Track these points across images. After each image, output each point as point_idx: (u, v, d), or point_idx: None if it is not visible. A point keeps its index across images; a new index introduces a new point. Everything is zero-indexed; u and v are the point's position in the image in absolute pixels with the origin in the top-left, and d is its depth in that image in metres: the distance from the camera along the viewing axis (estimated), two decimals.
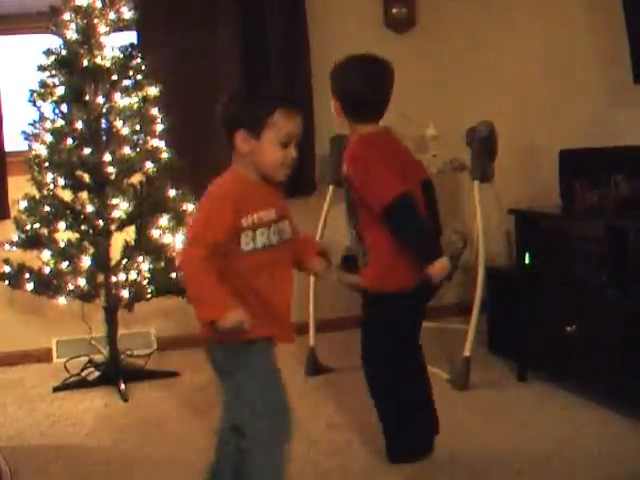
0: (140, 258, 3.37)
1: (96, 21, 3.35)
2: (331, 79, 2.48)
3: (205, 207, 2.00)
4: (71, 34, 3.33)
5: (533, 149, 4.04)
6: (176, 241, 3.41)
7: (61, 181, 3.34)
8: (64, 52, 3.33)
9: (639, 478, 2.32)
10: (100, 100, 3.34)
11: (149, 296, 3.41)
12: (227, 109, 2.01)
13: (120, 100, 3.37)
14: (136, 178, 3.44)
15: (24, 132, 3.40)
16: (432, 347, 3.75)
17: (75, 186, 3.37)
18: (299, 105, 2.04)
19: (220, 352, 2.01)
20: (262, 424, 1.96)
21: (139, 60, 3.42)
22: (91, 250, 3.36)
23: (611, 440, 2.59)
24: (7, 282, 3.41)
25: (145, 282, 3.37)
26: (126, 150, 3.34)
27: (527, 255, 3.19)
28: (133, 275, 3.36)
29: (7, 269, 3.39)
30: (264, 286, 1.97)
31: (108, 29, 3.39)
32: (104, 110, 3.35)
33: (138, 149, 3.38)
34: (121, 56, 3.38)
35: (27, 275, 3.36)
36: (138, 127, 3.38)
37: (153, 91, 3.42)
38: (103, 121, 3.36)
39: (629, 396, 2.71)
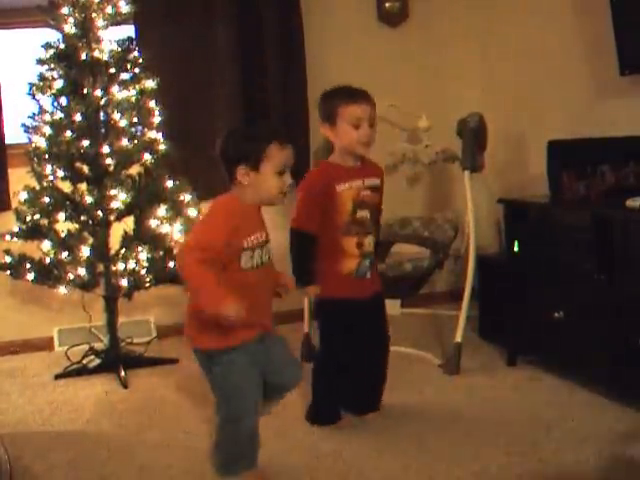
0: (139, 248, 3.40)
1: (94, 15, 3.38)
2: None
3: (206, 218, 2.26)
4: (69, 28, 3.36)
5: (522, 140, 4.08)
6: (174, 231, 3.45)
7: (60, 173, 3.37)
8: (63, 46, 3.36)
9: (624, 459, 2.37)
10: (98, 93, 3.36)
11: (148, 285, 3.45)
12: (227, 146, 2.22)
13: (118, 93, 3.39)
14: (134, 169, 3.47)
15: (24, 125, 3.42)
16: (424, 333, 3.84)
17: (74, 177, 3.40)
18: (288, 139, 2.25)
19: None
20: None
21: (136, 53, 3.45)
22: (90, 240, 3.39)
23: (598, 423, 2.64)
24: (8, 272, 3.45)
25: (144, 271, 3.40)
26: (124, 142, 3.37)
27: (516, 243, 3.24)
28: (132, 264, 3.39)
29: (8, 259, 3.42)
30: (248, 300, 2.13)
31: (106, 23, 3.41)
32: (102, 103, 3.37)
33: (136, 141, 3.41)
34: (119, 50, 3.40)
35: (28, 265, 3.39)
36: (136, 119, 3.41)
37: (150, 84, 3.45)
38: (101, 114, 3.39)
39: (616, 380, 2.76)
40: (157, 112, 3.49)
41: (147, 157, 3.44)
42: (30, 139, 3.43)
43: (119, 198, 3.37)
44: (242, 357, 2.21)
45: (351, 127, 2.56)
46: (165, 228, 3.45)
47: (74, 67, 3.36)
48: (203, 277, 2.08)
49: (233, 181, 2.21)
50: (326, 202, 2.58)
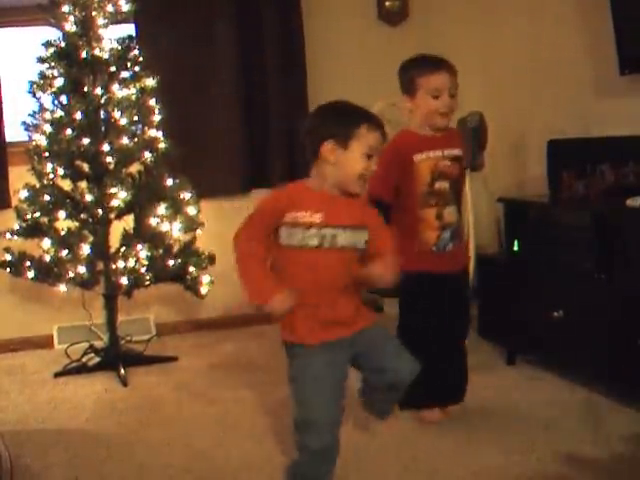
0: (139, 246, 3.41)
1: (94, 14, 3.38)
2: None
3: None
4: (70, 26, 3.37)
5: (522, 139, 4.08)
6: (174, 229, 3.46)
7: (61, 171, 3.38)
8: (63, 44, 3.37)
9: (623, 459, 2.37)
10: (99, 91, 3.37)
11: (147, 283, 3.45)
12: (317, 120, 2.12)
13: (118, 91, 3.40)
14: (134, 168, 3.48)
15: (24, 123, 3.43)
16: None
17: (74, 176, 3.40)
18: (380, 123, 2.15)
19: None
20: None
21: (137, 52, 3.46)
22: (90, 238, 3.39)
23: (598, 422, 2.63)
24: (8, 270, 3.45)
25: (143, 269, 3.40)
26: (124, 140, 3.38)
27: (516, 243, 3.24)
28: (132, 262, 3.39)
29: (8, 257, 3.43)
30: (290, 281, 2.05)
31: (106, 21, 3.42)
32: (103, 101, 3.38)
33: (136, 139, 3.42)
34: (119, 48, 3.41)
35: (28, 263, 3.40)
36: (136, 118, 3.42)
37: (151, 82, 3.46)
38: (102, 112, 3.39)
39: (616, 380, 2.76)
40: (157, 110, 3.50)
41: (147, 155, 3.45)
42: (30, 137, 3.44)
43: (119, 196, 3.37)
44: (319, 357, 2.05)
45: (431, 98, 2.54)
46: (165, 226, 3.46)
47: (74, 65, 3.37)
48: (248, 267, 2.04)
49: (315, 160, 2.09)
50: (402, 171, 2.52)
